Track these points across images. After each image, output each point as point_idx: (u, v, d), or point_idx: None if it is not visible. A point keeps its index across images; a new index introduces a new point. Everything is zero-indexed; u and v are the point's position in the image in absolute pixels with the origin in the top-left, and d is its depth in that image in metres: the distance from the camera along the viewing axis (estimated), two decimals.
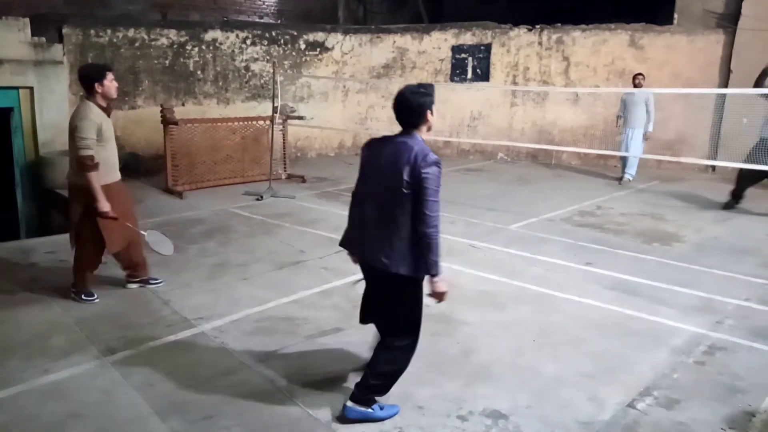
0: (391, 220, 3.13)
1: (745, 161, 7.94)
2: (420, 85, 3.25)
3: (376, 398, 3.35)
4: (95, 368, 3.88)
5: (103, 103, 4.77)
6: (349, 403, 3.29)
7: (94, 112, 4.67)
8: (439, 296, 3.22)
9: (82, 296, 4.95)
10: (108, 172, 4.81)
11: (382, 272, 3.18)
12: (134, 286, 5.24)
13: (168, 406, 3.45)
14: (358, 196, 3.38)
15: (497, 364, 4.01)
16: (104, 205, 4.65)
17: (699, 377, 3.88)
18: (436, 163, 3.11)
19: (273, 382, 3.71)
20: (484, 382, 3.78)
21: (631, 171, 10.12)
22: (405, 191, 3.07)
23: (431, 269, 3.16)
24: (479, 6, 15.02)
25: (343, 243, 3.50)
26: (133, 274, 5.25)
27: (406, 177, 3.05)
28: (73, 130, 4.63)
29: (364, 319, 3.59)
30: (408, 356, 3.38)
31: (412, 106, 3.17)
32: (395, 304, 3.31)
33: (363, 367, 3.47)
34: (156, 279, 5.32)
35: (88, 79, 4.71)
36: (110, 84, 4.75)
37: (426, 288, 3.26)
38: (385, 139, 3.27)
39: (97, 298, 4.98)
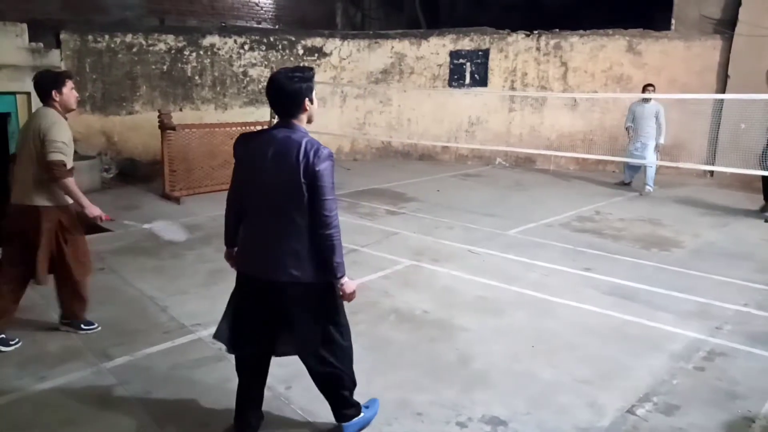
0: (292, 226, 2.84)
1: (761, 165, 7.99)
2: (297, 69, 2.90)
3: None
4: (91, 375, 3.86)
5: (63, 113, 4.17)
6: (344, 424, 3.22)
7: (62, 119, 4.12)
8: (349, 297, 2.99)
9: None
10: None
11: (292, 286, 2.88)
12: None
13: (165, 413, 3.43)
14: (239, 205, 3.00)
15: (495, 370, 4.00)
16: (94, 209, 4.25)
17: (698, 383, 3.87)
18: (330, 157, 2.83)
19: (271, 389, 3.68)
20: (483, 388, 3.76)
21: (650, 183, 9.76)
22: (301, 192, 2.77)
23: (337, 272, 2.90)
24: (476, 12, 15.05)
25: (239, 263, 3.07)
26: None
27: (301, 177, 2.76)
28: (42, 134, 3.99)
29: (276, 352, 3.13)
30: (350, 345, 3.16)
31: (286, 92, 2.82)
32: (316, 314, 2.98)
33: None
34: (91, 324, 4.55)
35: (44, 86, 4.12)
36: (69, 92, 4.17)
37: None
38: (264, 135, 2.91)
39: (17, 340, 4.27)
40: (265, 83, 2.95)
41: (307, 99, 2.87)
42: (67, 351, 4.17)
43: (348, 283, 2.96)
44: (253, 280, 2.99)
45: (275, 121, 2.98)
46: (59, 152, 4.00)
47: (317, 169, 2.77)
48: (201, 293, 5.29)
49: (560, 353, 4.25)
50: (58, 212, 4.17)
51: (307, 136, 2.87)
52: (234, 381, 3.76)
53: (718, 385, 3.83)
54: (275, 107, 2.90)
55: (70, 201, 4.20)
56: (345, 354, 3.15)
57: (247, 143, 2.96)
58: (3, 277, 4.18)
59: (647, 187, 9.81)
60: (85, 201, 4.21)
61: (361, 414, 3.26)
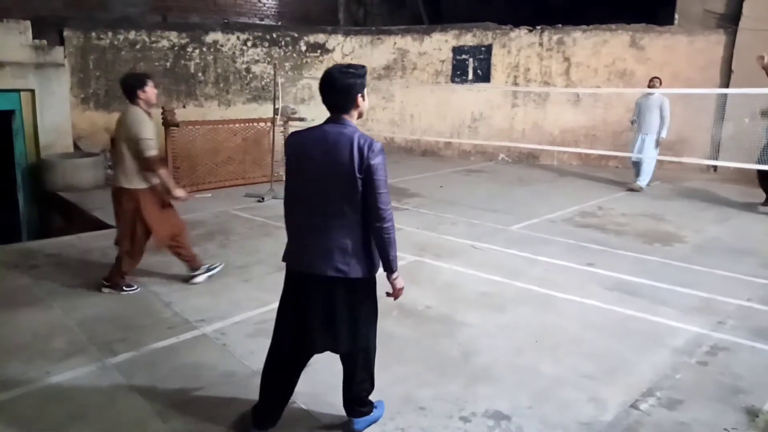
0: (342, 221, 2.86)
1: (758, 161, 7.96)
2: (350, 65, 2.93)
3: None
4: (97, 370, 3.88)
5: (147, 109, 4.93)
6: (355, 419, 3.24)
7: (146, 115, 4.88)
8: (398, 293, 3.05)
9: (124, 288, 5.16)
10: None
11: (338, 282, 2.90)
12: (201, 279, 5.44)
13: (169, 408, 3.44)
14: (293, 201, 3.01)
15: (498, 365, 4.01)
16: (179, 191, 5.08)
17: (701, 378, 3.87)
18: (382, 151, 2.85)
19: None
20: (486, 383, 3.77)
21: (643, 179, 9.62)
22: (355, 187, 2.80)
23: (392, 266, 2.96)
24: (478, 7, 15.02)
25: (287, 258, 3.08)
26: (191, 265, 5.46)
27: (356, 171, 2.78)
28: (135, 134, 4.76)
29: (315, 348, 3.08)
30: (375, 349, 3.22)
31: (339, 88, 2.85)
32: (357, 311, 3.00)
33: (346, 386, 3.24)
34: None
35: (131, 86, 4.87)
36: (151, 90, 4.92)
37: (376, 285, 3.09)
38: (316, 131, 2.91)
39: (137, 288, 5.24)
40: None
41: (359, 95, 2.90)
42: (73, 346, 4.19)
43: (399, 279, 3.02)
44: (300, 276, 2.99)
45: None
46: (153, 149, 4.82)
47: (372, 162, 2.79)
48: (205, 289, 5.31)
49: (563, 348, 4.25)
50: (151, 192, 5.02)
51: (358, 131, 2.88)
52: (238, 376, 3.79)
53: (722, 380, 3.83)
54: (328, 102, 2.90)
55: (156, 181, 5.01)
56: (374, 354, 3.22)
57: (299, 140, 2.96)
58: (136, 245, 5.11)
59: (638, 181, 9.59)
60: (172, 183, 5.08)
61: (372, 412, 3.29)
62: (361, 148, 2.79)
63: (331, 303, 2.95)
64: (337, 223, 2.87)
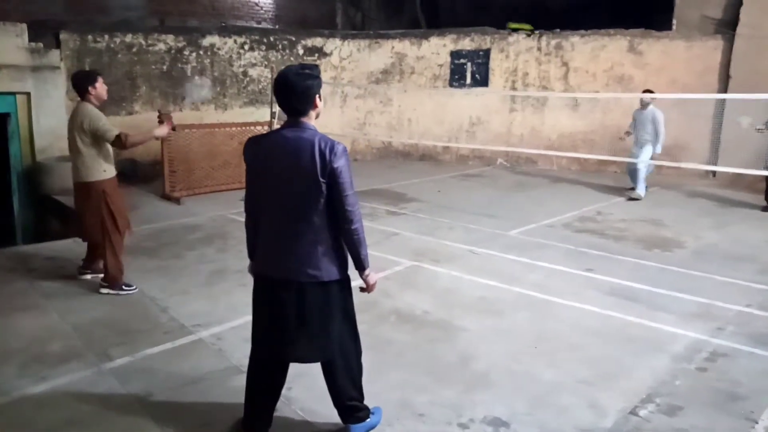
0: (310, 225, 2.83)
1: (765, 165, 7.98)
2: (304, 66, 2.90)
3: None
4: (93, 375, 3.85)
5: (97, 104, 5.13)
6: (352, 426, 3.21)
7: (97, 110, 5.08)
8: (371, 288, 3.06)
9: (123, 287, 5.23)
10: (111, 166, 5.24)
11: (311, 286, 2.88)
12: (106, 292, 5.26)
13: (166, 414, 3.42)
14: (256, 209, 2.99)
15: (496, 370, 3.99)
16: (162, 129, 5.44)
17: (700, 384, 3.86)
18: (345, 152, 2.81)
19: None
20: (483, 388, 3.75)
21: (641, 187, 9.44)
22: (319, 191, 2.77)
23: (364, 264, 2.96)
24: (476, 12, 15.04)
25: (258, 265, 3.09)
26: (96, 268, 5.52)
27: (319, 176, 2.74)
28: (93, 127, 4.97)
29: (294, 355, 3.04)
30: (359, 352, 3.21)
31: (297, 90, 2.78)
32: (331, 315, 2.97)
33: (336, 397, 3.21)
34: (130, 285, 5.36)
35: (81, 83, 5.07)
36: (101, 86, 5.12)
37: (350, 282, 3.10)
38: (275, 136, 2.87)
39: (136, 288, 5.30)
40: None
41: (317, 96, 2.85)
42: (69, 351, 4.16)
43: (372, 275, 3.03)
44: (272, 282, 2.97)
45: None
46: (112, 129, 5.01)
47: (335, 166, 2.75)
48: (202, 294, 5.28)
49: (562, 354, 4.24)
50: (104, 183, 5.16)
51: (319, 133, 2.83)
52: (235, 381, 3.76)
53: (720, 386, 3.82)
54: (285, 106, 2.85)
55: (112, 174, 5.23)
56: (355, 359, 3.19)
57: (258, 146, 2.92)
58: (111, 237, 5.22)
59: (634, 192, 9.40)
60: (153, 133, 5.36)
61: (369, 418, 3.26)
62: (322, 151, 2.75)
63: (304, 309, 2.91)
64: (305, 228, 2.85)
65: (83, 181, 5.11)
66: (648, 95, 9.20)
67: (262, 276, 3.05)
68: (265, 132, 3.04)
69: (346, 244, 2.92)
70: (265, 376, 3.14)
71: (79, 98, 5.12)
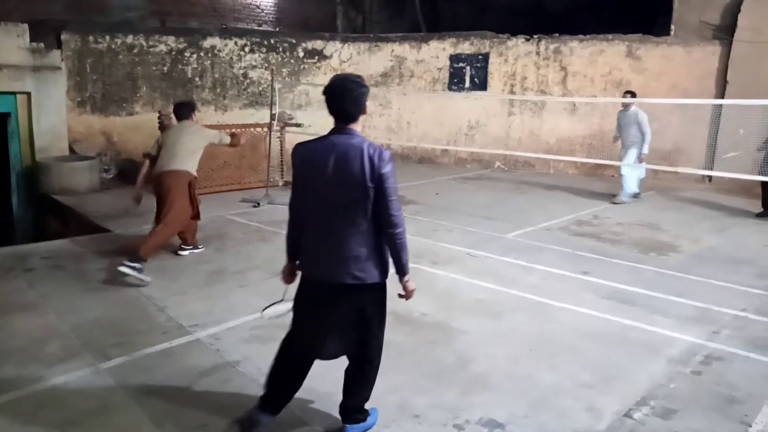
0: (356, 229, 2.91)
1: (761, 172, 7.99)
2: (356, 75, 3.03)
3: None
4: (90, 375, 3.86)
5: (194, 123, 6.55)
6: (349, 426, 3.23)
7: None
8: (410, 294, 3.12)
9: (197, 246, 6.46)
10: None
11: (355, 288, 2.96)
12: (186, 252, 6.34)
13: (163, 414, 3.43)
14: (303, 212, 3.07)
15: (494, 373, 4.00)
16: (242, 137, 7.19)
17: (696, 387, 3.87)
18: (391, 159, 2.93)
19: None
20: (481, 391, 3.77)
21: (624, 193, 9.41)
22: (367, 196, 2.86)
23: (405, 269, 3.04)
24: (476, 16, 15.08)
25: (303, 267, 3.15)
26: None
27: (367, 181, 2.84)
28: (211, 135, 6.52)
29: (326, 353, 3.12)
30: (378, 363, 3.25)
31: (354, 95, 2.92)
32: (370, 316, 3.07)
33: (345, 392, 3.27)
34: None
35: (187, 110, 6.51)
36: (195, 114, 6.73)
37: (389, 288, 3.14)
38: (324, 142, 2.97)
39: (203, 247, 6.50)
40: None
41: (366, 104, 2.97)
42: (66, 350, 4.17)
43: (411, 282, 3.09)
44: (316, 282, 3.05)
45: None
46: (225, 136, 6.73)
47: (383, 171, 2.86)
48: (200, 294, 5.30)
49: (559, 357, 4.25)
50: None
51: (366, 140, 2.94)
52: (232, 382, 3.78)
53: (716, 390, 3.83)
54: (339, 111, 2.95)
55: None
56: (377, 367, 3.25)
57: (307, 151, 3.00)
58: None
59: (619, 197, 9.38)
60: (240, 138, 7.15)
61: (366, 421, 3.29)
62: (371, 157, 2.85)
63: (346, 310, 3.02)
64: (351, 231, 2.92)
65: (187, 170, 6.12)
66: (629, 96, 9.15)
67: (305, 276, 3.13)
68: (313, 138, 3.09)
69: (390, 248, 2.99)
70: (296, 368, 3.22)
71: (176, 119, 6.51)
